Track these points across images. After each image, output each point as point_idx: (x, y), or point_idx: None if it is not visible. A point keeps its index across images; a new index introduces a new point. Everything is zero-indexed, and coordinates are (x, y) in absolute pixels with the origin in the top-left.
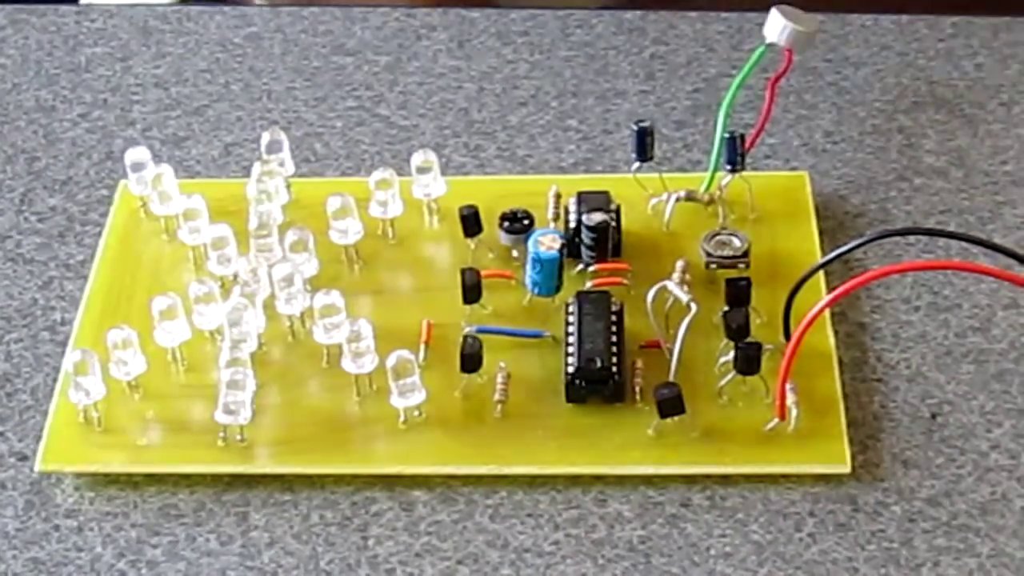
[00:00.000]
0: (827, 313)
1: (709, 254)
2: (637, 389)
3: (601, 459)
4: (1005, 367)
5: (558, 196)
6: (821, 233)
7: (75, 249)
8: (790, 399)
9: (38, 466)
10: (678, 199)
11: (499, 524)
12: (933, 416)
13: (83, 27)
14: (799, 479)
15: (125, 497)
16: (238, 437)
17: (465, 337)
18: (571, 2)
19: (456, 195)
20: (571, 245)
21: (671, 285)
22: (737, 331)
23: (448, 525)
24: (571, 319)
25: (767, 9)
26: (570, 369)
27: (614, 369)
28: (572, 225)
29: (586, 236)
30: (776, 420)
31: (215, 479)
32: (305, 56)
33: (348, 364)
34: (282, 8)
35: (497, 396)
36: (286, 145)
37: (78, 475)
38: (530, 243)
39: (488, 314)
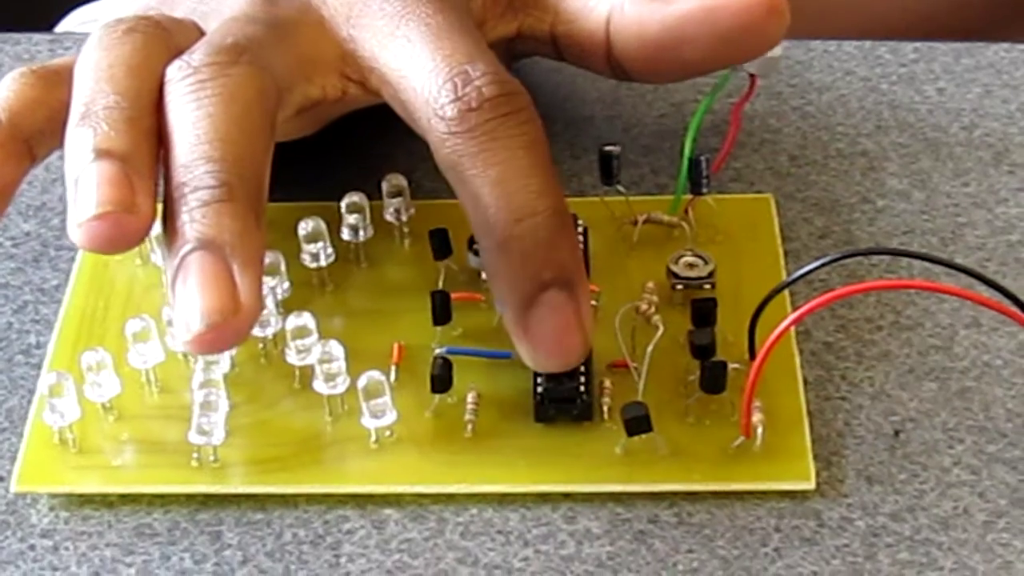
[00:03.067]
0: (792, 332)
1: (675, 275)
2: (605, 408)
3: (570, 477)
4: (966, 385)
5: None
6: (786, 254)
7: (49, 274)
8: (755, 417)
9: (13, 487)
10: (645, 221)
11: (470, 541)
12: (896, 433)
13: (56, 54)
14: (764, 495)
15: (100, 517)
16: (211, 457)
17: (435, 358)
18: None
19: (426, 218)
20: None
21: (639, 306)
22: (703, 350)
23: (419, 543)
24: None
25: None
26: (539, 389)
27: (582, 389)
28: None
29: None
30: (742, 438)
31: (189, 499)
32: None
33: (320, 385)
34: None
35: (467, 416)
36: None
37: (53, 495)
38: None
39: (458, 335)
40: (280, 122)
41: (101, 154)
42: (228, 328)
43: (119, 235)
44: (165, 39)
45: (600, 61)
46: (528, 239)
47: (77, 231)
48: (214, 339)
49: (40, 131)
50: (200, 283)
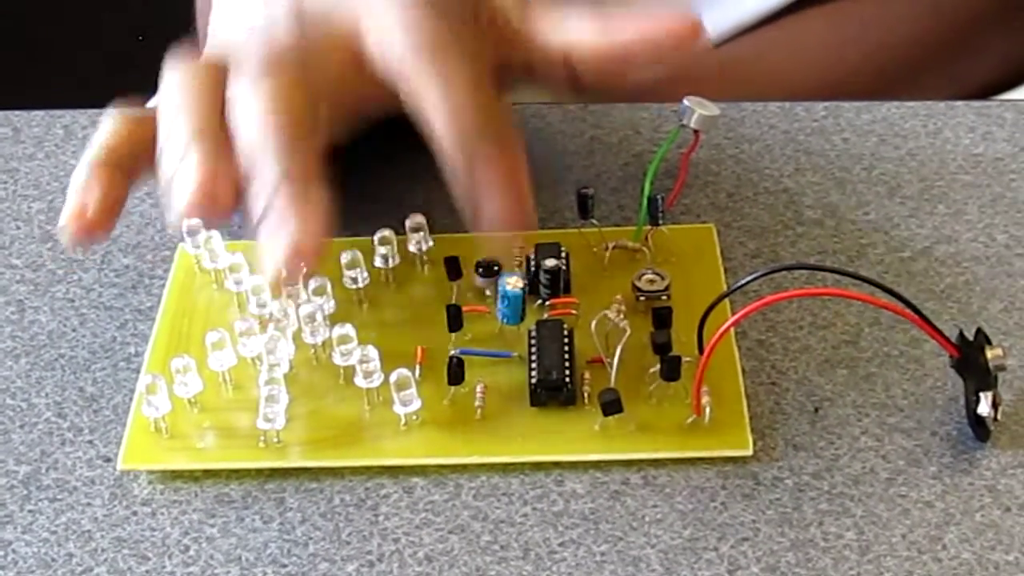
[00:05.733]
0: (732, 332)
1: (639, 289)
2: (585, 394)
3: (558, 449)
4: (871, 371)
5: (521, 247)
6: (726, 271)
7: (145, 297)
8: (704, 399)
9: (119, 466)
10: (614, 247)
11: (480, 502)
12: (816, 410)
13: None
14: (712, 461)
15: (188, 488)
16: (275, 439)
17: (451, 358)
18: (527, 98)
19: (442, 249)
20: (532, 285)
21: (610, 314)
22: (662, 347)
23: (441, 503)
24: (533, 342)
25: (681, 100)
26: (533, 380)
27: (567, 380)
28: (532, 269)
29: (543, 277)
30: (694, 416)
31: (258, 472)
32: None
33: (360, 380)
34: None
35: (477, 402)
36: None
37: (151, 472)
38: (500, 284)
39: (468, 340)
40: (323, 122)
41: (188, 154)
42: (304, 250)
43: (210, 204)
44: (223, 75)
45: (564, 80)
46: (466, 119)
47: (176, 208)
48: (291, 258)
49: (135, 156)
50: (286, 218)
